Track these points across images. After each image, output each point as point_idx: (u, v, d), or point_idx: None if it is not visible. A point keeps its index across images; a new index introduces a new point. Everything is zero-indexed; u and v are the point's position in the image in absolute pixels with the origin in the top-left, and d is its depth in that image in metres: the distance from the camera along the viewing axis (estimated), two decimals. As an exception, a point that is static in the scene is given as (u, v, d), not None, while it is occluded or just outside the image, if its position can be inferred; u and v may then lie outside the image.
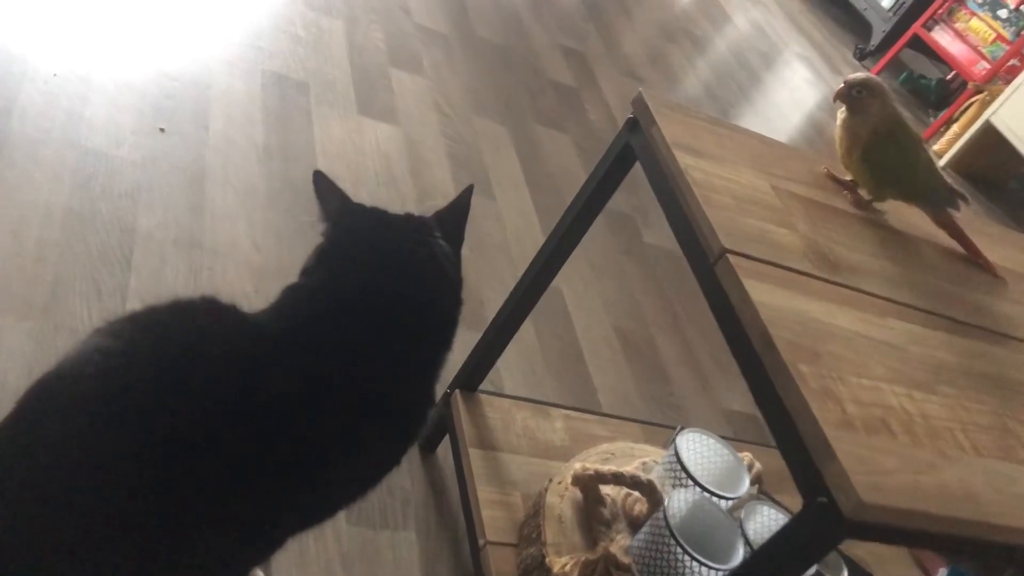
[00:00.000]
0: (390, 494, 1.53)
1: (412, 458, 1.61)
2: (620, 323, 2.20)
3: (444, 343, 1.07)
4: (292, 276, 1.04)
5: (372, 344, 0.98)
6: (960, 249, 1.34)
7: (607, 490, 1.40)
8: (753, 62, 4.31)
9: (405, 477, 1.57)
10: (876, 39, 5.07)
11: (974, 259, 1.34)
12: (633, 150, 1.24)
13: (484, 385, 1.58)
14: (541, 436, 1.56)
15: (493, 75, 2.88)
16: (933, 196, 1.31)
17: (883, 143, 1.26)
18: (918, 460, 0.89)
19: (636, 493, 1.39)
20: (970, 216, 1.40)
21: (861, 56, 5.11)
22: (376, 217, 1.09)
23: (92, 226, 1.65)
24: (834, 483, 0.83)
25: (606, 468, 1.37)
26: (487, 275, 2.08)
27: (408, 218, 1.11)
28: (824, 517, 0.83)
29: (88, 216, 1.66)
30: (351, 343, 0.96)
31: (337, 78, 2.42)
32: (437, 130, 2.46)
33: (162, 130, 1.93)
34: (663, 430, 1.73)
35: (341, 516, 1.45)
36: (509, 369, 1.88)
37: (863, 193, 1.31)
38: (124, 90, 1.97)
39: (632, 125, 1.25)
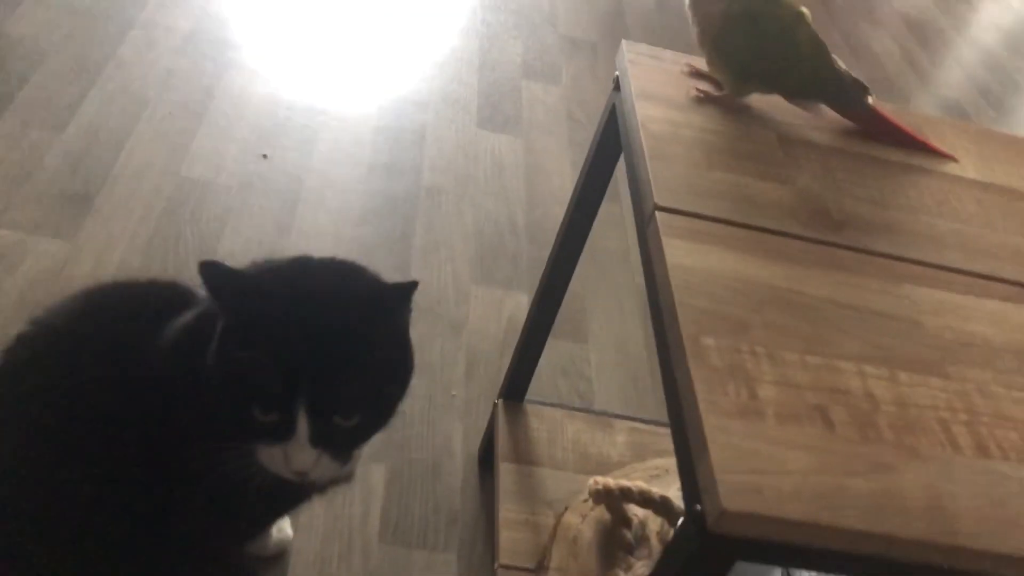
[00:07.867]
0: (435, 511, 1.43)
1: (468, 475, 1.50)
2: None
3: None
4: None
5: None
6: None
7: (638, 509, 1.21)
8: None
9: (456, 494, 1.46)
10: None
11: (915, 145, 1.07)
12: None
13: (569, 396, 1.45)
14: (594, 450, 1.39)
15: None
16: (822, 89, 1.04)
17: (741, 24, 0.99)
18: (859, 459, 0.67)
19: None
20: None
21: None
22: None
23: (174, 248, 1.71)
24: (703, 485, 0.63)
25: (629, 483, 1.19)
26: (596, 283, 1.93)
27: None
28: (693, 529, 0.64)
29: (172, 239, 1.73)
30: None
31: (461, 95, 2.39)
32: (565, 139, 2.35)
33: (265, 156, 1.99)
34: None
35: (373, 530, 1.38)
36: (605, 381, 1.72)
37: (723, 87, 1.05)
38: (235, 121, 2.06)
39: (616, 84, 1.08)
